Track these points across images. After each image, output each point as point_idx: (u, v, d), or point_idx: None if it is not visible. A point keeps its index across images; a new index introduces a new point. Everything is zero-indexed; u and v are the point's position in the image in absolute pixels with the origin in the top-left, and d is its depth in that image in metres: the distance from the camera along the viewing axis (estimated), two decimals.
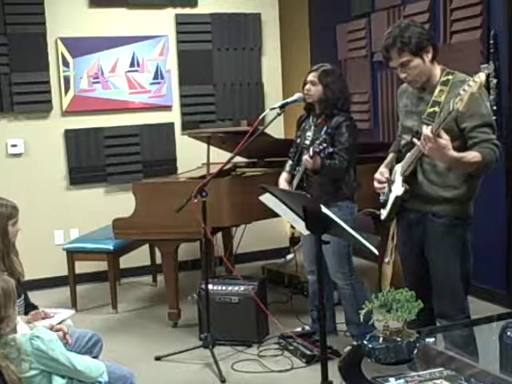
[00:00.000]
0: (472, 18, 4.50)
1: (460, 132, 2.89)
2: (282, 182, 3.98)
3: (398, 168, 3.11)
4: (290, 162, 4.06)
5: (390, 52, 2.95)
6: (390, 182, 3.15)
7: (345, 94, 3.88)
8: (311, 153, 3.53)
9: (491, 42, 4.37)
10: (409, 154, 3.02)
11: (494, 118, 4.34)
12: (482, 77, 2.56)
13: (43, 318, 3.06)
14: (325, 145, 3.52)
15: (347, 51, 6.00)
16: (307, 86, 3.84)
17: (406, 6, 5.16)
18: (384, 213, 3.20)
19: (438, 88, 2.94)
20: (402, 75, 3.00)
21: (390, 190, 3.15)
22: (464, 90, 2.59)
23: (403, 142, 3.14)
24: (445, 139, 2.72)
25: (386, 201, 3.17)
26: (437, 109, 2.88)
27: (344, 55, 6.05)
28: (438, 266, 3.05)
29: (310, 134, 3.89)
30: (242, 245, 5.30)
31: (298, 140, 3.99)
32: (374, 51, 5.60)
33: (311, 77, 3.85)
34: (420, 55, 2.92)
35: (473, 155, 2.81)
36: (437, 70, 3.00)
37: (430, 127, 2.77)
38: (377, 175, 3.20)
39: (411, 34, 2.90)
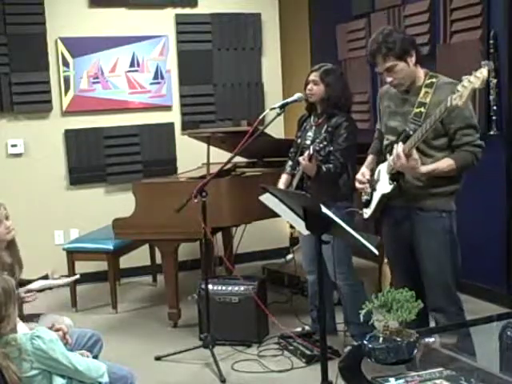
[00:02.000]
0: (472, 18, 4.51)
1: (445, 130, 2.98)
2: (281, 185, 3.97)
3: (383, 167, 3.17)
4: (289, 162, 4.06)
5: (375, 58, 3.05)
6: (373, 181, 3.21)
7: (346, 93, 3.90)
8: (311, 151, 3.53)
9: (491, 41, 4.37)
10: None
11: (495, 117, 4.38)
12: (484, 72, 2.62)
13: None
14: (325, 143, 3.53)
15: (347, 51, 6.00)
16: (309, 86, 3.85)
17: (405, 6, 5.15)
18: (368, 212, 3.25)
19: (423, 90, 3.03)
20: (388, 79, 3.08)
21: (373, 190, 3.21)
22: (464, 86, 2.65)
23: (386, 142, 3.21)
24: (414, 159, 2.88)
25: (369, 200, 3.22)
26: (423, 109, 2.98)
27: (344, 55, 6.05)
28: (428, 260, 3.09)
29: (310, 133, 3.89)
30: (241, 245, 5.30)
31: (299, 140, 3.99)
32: None
33: (313, 76, 3.86)
34: (404, 59, 3.01)
35: (446, 164, 2.96)
36: (420, 73, 3.09)
37: (402, 146, 2.91)
38: (358, 176, 3.29)
39: (395, 39, 3.00)
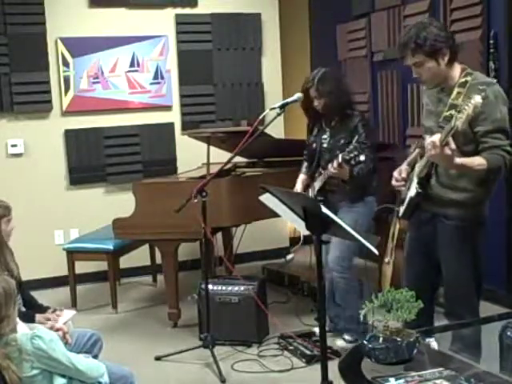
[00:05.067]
0: (472, 18, 4.50)
1: (474, 136, 2.87)
2: (299, 185, 4.04)
3: (416, 168, 3.12)
4: (305, 163, 4.11)
5: (404, 51, 2.93)
6: (410, 179, 3.16)
7: (346, 92, 3.95)
8: (340, 160, 3.53)
9: (491, 41, 4.37)
10: (424, 157, 3.02)
11: None
12: (477, 99, 2.57)
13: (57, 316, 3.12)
14: (356, 153, 3.49)
15: (347, 51, 6.00)
16: (315, 103, 3.92)
17: (406, 6, 5.15)
18: (401, 210, 3.22)
19: (456, 90, 2.90)
20: (415, 75, 3.01)
21: (408, 188, 3.17)
22: (464, 108, 2.59)
23: (425, 142, 3.13)
24: (451, 149, 2.71)
25: (405, 198, 3.19)
26: (453, 112, 2.83)
27: (344, 55, 6.05)
28: (448, 267, 3.06)
29: (325, 136, 3.96)
30: (241, 245, 5.30)
31: (314, 145, 4.03)
32: (373, 51, 5.60)
33: (312, 93, 3.91)
34: (435, 58, 2.88)
35: (478, 162, 2.82)
36: (456, 71, 2.96)
37: (438, 135, 2.76)
38: (395, 173, 3.22)
39: (427, 36, 2.86)
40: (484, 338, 2.88)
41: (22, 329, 2.57)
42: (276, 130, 5.25)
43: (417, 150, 3.28)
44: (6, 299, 2.39)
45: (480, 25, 4.45)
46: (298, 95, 3.83)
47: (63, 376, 2.46)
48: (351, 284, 3.98)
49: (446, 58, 2.90)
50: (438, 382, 2.12)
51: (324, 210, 2.69)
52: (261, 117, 3.91)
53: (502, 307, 4.37)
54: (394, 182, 3.21)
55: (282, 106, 3.73)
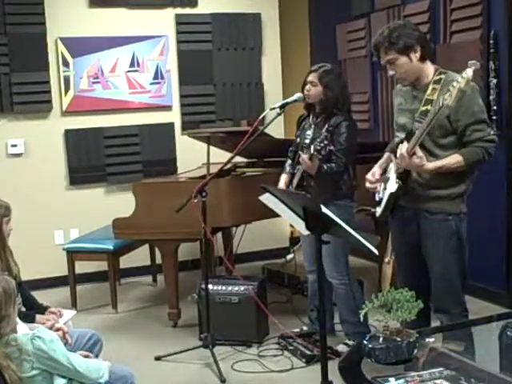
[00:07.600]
0: (472, 18, 4.51)
1: (453, 128, 2.96)
2: (282, 184, 3.98)
3: (393, 166, 3.15)
4: (289, 161, 4.06)
5: (378, 50, 3.06)
6: (384, 180, 3.19)
7: (345, 94, 3.89)
8: (312, 151, 3.54)
9: (491, 41, 4.37)
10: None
11: (495, 117, 4.38)
12: (469, 73, 2.68)
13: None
14: (326, 142, 3.53)
15: (347, 51, 6.00)
16: (307, 87, 3.85)
17: (405, 6, 5.16)
18: (379, 210, 3.23)
19: (431, 87, 3.01)
20: (390, 72, 3.10)
21: (384, 188, 3.19)
22: (453, 86, 2.69)
23: (397, 139, 3.20)
24: (418, 157, 2.87)
25: (381, 199, 3.21)
26: (429, 107, 2.94)
27: (344, 55, 6.05)
28: (434, 262, 3.09)
29: (309, 132, 3.89)
30: (242, 245, 5.29)
31: (298, 139, 3.99)
32: None
33: (311, 77, 3.85)
34: (407, 54, 3.00)
35: (454, 161, 2.94)
36: (429, 69, 3.06)
37: (406, 146, 2.92)
38: (368, 175, 3.26)
39: (399, 34, 2.99)
40: (484, 338, 2.87)
41: (23, 329, 2.57)
42: (276, 129, 5.25)
43: (387, 154, 3.32)
44: (6, 299, 2.39)
45: (480, 25, 4.45)
46: (298, 95, 3.83)
47: (63, 376, 2.46)
48: (352, 289, 3.94)
49: (418, 55, 3.01)
50: (438, 382, 2.12)
51: (324, 209, 2.69)
52: (261, 117, 3.92)
53: (502, 307, 4.37)
54: (368, 185, 3.24)
55: (282, 106, 3.74)
